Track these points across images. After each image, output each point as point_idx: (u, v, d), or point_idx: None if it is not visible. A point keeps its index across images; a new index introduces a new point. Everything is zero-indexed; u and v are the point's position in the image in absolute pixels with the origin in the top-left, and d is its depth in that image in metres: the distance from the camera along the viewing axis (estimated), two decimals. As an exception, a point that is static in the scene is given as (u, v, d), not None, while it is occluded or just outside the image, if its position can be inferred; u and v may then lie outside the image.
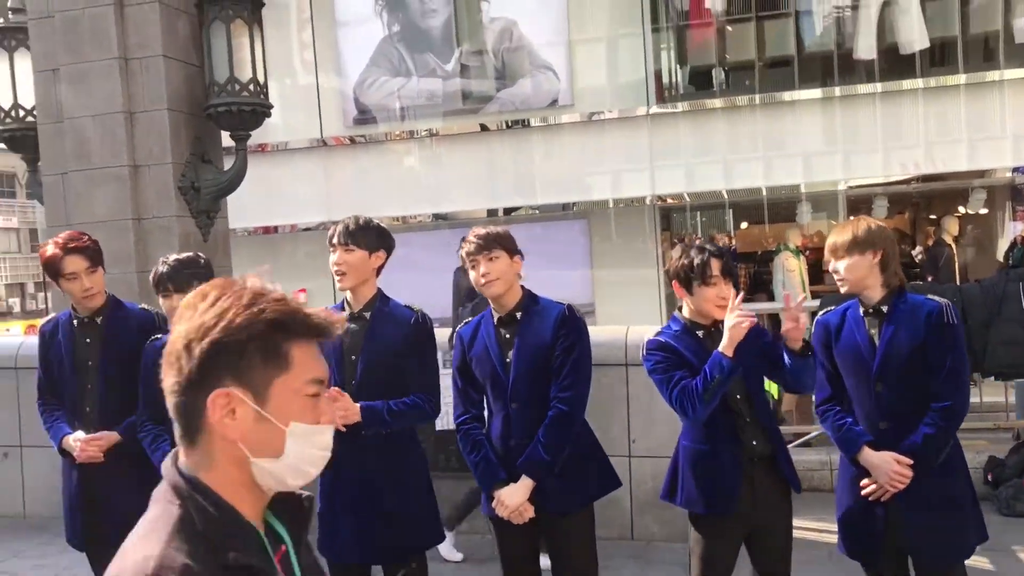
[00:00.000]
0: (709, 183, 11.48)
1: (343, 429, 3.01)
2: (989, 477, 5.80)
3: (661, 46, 11.63)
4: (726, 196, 11.84)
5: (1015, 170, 10.98)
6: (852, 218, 3.22)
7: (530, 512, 3.11)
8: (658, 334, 3.22)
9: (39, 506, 6.02)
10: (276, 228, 11.84)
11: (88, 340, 3.58)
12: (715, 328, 3.12)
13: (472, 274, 3.19)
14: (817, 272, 11.75)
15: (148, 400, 3.41)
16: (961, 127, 10.93)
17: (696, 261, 3.07)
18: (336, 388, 3.07)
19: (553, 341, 3.14)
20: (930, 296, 3.16)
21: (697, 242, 3.21)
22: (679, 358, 3.10)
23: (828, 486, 6.10)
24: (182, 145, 5.67)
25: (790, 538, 3.22)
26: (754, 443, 3.12)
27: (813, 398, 3.35)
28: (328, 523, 3.26)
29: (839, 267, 3.09)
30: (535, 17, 11.28)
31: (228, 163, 6.00)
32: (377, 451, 3.19)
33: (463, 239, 3.23)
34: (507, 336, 3.20)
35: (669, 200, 11.62)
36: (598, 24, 11.44)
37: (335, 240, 3.21)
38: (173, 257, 3.39)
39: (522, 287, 3.26)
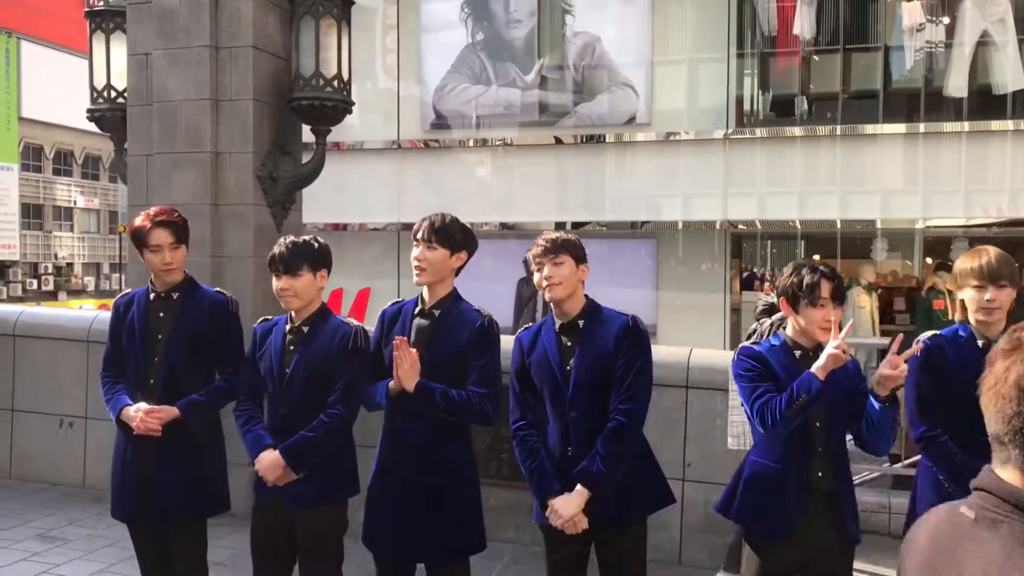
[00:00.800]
0: (782, 212, 11.33)
1: (403, 380, 3.09)
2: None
3: (745, 71, 11.54)
4: (799, 227, 11.65)
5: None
6: (980, 247, 3.16)
7: (584, 523, 3.07)
8: (755, 344, 3.18)
9: (100, 478, 6.17)
10: (346, 226, 12.03)
11: (161, 315, 3.65)
12: (814, 353, 3.04)
13: (536, 276, 3.18)
14: (888, 311, 11.49)
15: (249, 380, 3.46)
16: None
17: (807, 280, 3.01)
18: (402, 338, 3.12)
19: (615, 351, 3.10)
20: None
21: (810, 263, 3.14)
22: (769, 371, 3.04)
23: (885, 529, 5.93)
24: (264, 135, 5.78)
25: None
26: (819, 474, 3.04)
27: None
28: (380, 514, 3.26)
29: (1000, 295, 3.06)
30: (618, 35, 11.29)
31: (306, 158, 6.10)
32: (431, 446, 3.20)
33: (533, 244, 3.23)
34: (568, 344, 3.17)
35: (740, 226, 11.49)
36: (681, 46, 11.40)
37: (419, 235, 3.24)
38: (290, 239, 3.41)
39: (586, 296, 3.24)
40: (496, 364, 3.27)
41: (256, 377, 3.43)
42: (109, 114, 6.38)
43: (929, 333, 3.18)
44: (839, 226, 11.49)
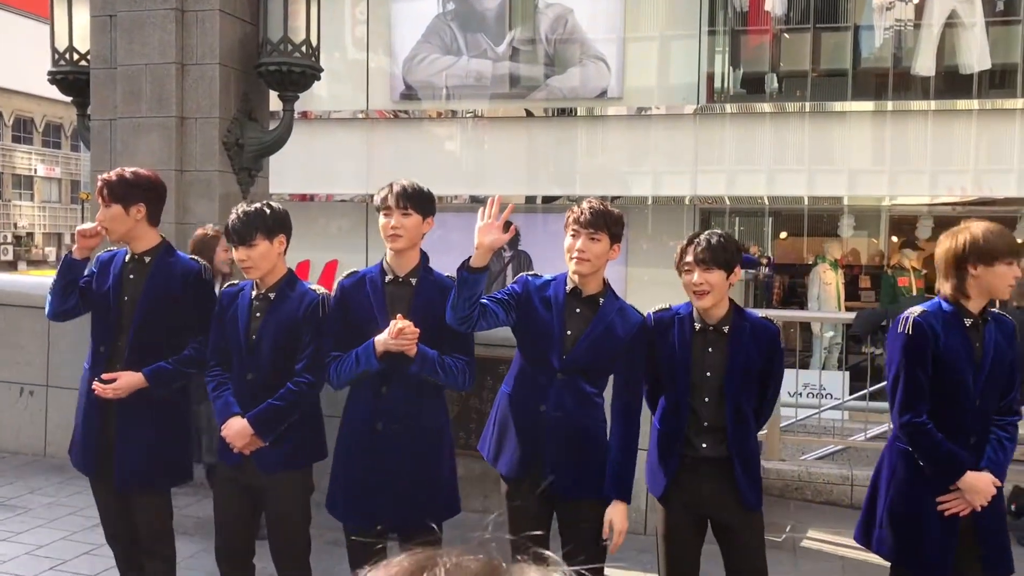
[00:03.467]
0: (751, 188, 11.39)
1: (405, 349, 3.07)
2: (1012, 507, 5.70)
3: (716, 49, 11.54)
4: (767, 203, 11.72)
5: (1065, 200, 10.79)
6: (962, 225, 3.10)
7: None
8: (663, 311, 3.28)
9: (61, 446, 6.08)
10: (312, 197, 11.91)
11: (132, 277, 3.59)
12: (703, 325, 3.10)
13: (567, 240, 3.10)
14: (853, 287, 11.62)
15: (217, 346, 3.42)
16: (1014, 152, 10.74)
17: (682, 246, 3.09)
18: (400, 316, 3.10)
19: (625, 344, 3.10)
20: (1003, 313, 3.15)
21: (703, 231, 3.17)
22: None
23: (847, 501, 6.02)
24: (230, 101, 5.68)
25: (758, 546, 3.17)
26: (703, 446, 3.07)
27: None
28: (351, 483, 3.25)
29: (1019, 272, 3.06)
30: (590, 8, 11.23)
31: (273, 126, 6.02)
32: (418, 412, 3.20)
33: (576, 204, 3.14)
34: (577, 311, 3.14)
35: (709, 203, 11.54)
36: (653, 22, 11.37)
37: (391, 203, 3.18)
38: (242, 208, 3.35)
39: (604, 278, 3.22)
40: (472, 334, 3.27)
41: (223, 342, 3.40)
42: (71, 77, 6.23)
43: (918, 309, 3.10)
44: (806, 203, 11.57)
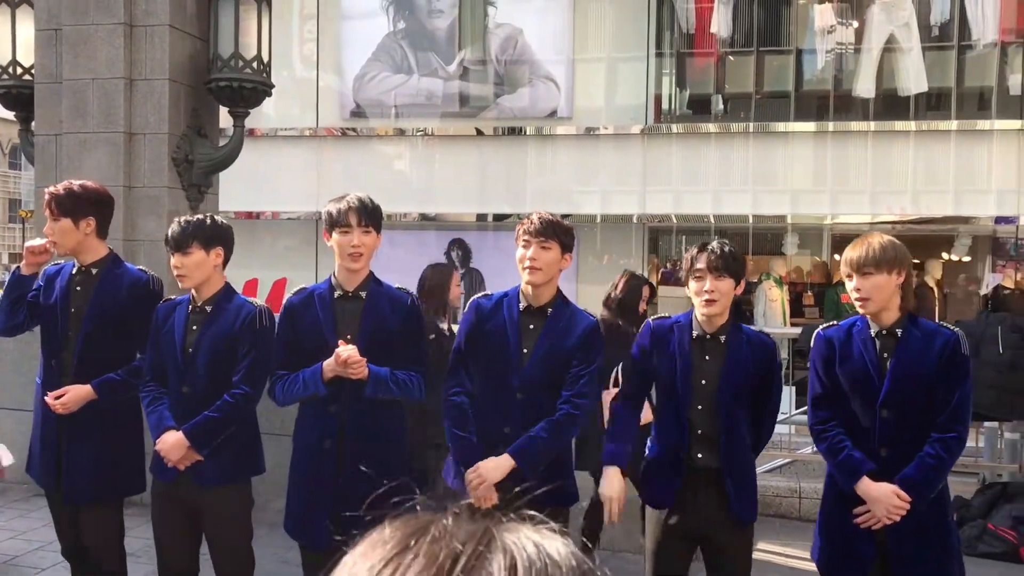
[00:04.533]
0: (697, 207, 11.56)
1: (354, 376, 3.05)
2: (954, 516, 5.84)
3: (663, 71, 11.73)
4: (713, 222, 11.91)
5: (997, 220, 11.13)
6: (871, 233, 3.10)
7: (495, 499, 3.07)
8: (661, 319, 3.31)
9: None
10: (258, 215, 11.79)
11: (79, 288, 3.56)
12: (709, 335, 3.14)
13: (519, 251, 3.13)
14: (797, 305, 11.84)
15: (154, 361, 3.38)
16: (949, 173, 11.07)
17: (692, 254, 3.12)
18: (345, 340, 3.08)
19: (574, 349, 3.12)
20: (943, 325, 3.10)
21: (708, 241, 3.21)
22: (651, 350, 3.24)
23: (796, 513, 6.11)
24: (180, 117, 5.63)
25: (743, 561, 3.19)
26: (699, 456, 3.11)
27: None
28: (304, 501, 3.22)
29: (866, 284, 2.94)
30: (540, 29, 11.36)
31: (223, 143, 5.97)
32: (372, 427, 3.19)
33: (525, 217, 3.17)
34: (531, 327, 3.16)
35: (657, 221, 11.68)
36: (602, 44, 11.52)
37: (352, 221, 3.16)
38: (184, 218, 3.35)
39: (557, 287, 3.23)
40: (427, 344, 3.29)
41: (159, 356, 3.36)
42: (14, 91, 6.12)
43: (833, 324, 3.19)
44: (751, 222, 11.77)
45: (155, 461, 3.34)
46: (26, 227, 34.16)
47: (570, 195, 11.39)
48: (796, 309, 11.55)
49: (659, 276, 11.68)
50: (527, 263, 3.09)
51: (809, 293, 12.24)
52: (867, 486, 2.96)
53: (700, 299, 3.08)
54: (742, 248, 13.45)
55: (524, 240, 3.12)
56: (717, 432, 3.11)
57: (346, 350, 3.05)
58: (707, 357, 3.12)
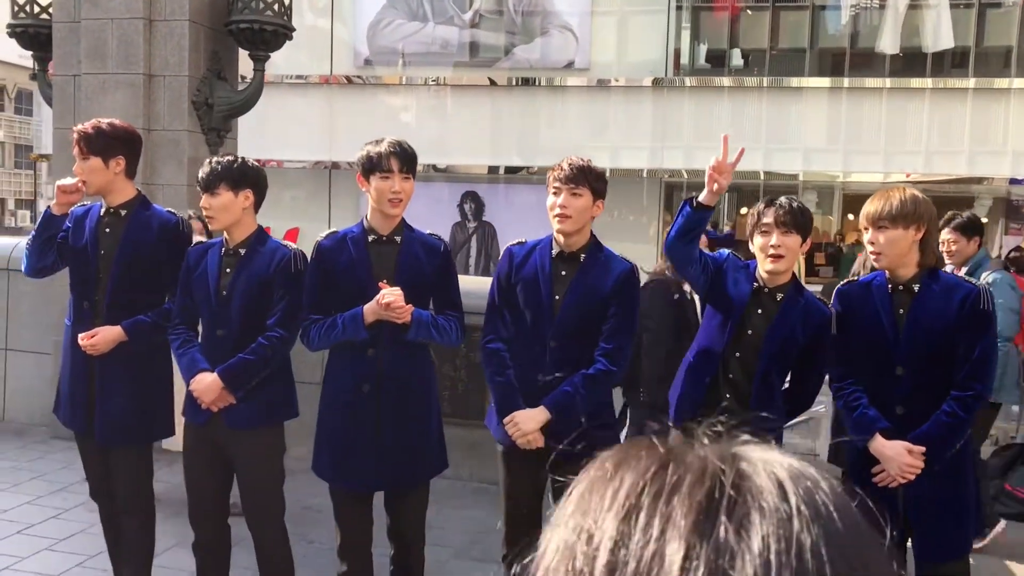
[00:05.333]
0: (708, 162, 11.49)
1: (398, 320, 3.01)
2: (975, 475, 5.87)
3: (683, 25, 11.58)
4: (725, 178, 11.84)
5: (1012, 182, 11.08)
6: (894, 187, 3.03)
7: (540, 441, 3.06)
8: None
9: (20, 411, 5.94)
10: (264, 163, 11.70)
11: (108, 230, 3.51)
12: (768, 289, 3.10)
13: (549, 199, 3.07)
14: (809, 263, 11.83)
15: (184, 304, 3.35)
16: (964, 133, 11.00)
17: (758, 209, 3.05)
18: (384, 283, 3.05)
19: (611, 295, 3.09)
20: (965, 278, 3.05)
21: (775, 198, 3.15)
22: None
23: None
24: (200, 59, 5.55)
25: None
26: (727, 396, 3.08)
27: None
28: (342, 445, 3.22)
29: (880, 239, 2.87)
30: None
31: (241, 88, 5.90)
32: (408, 373, 3.17)
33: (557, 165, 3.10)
34: (563, 273, 3.11)
35: (667, 176, 11.63)
36: (621, -2, 11.35)
37: (394, 167, 3.10)
38: (215, 158, 3.30)
39: (591, 232, 3.19)
40: (459, 289, 3.26)
41: (190, 300, 3.34)
42: (31, 31, 6.02)
43: (845, 279, 3.18)
44: (762, 178, 11.72)
45: (187, 404, 3.32)
46: (38, 170, 33.86)
47: (582, 148, 11.32)
48: (808, 268, 11.54)
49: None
50: (557, 210, 3.03)
51: (820, 252, 12.22)
52: (880, 444, 2.92)
53: (765, 255, 3.01)
54: (753, 206, 13.41)
55: (555, 187, 3.05)
56: (750, 385, 3.10)
57: (391, 293, 3.01)
58: (759, 311, 3.08)
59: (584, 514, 0.50)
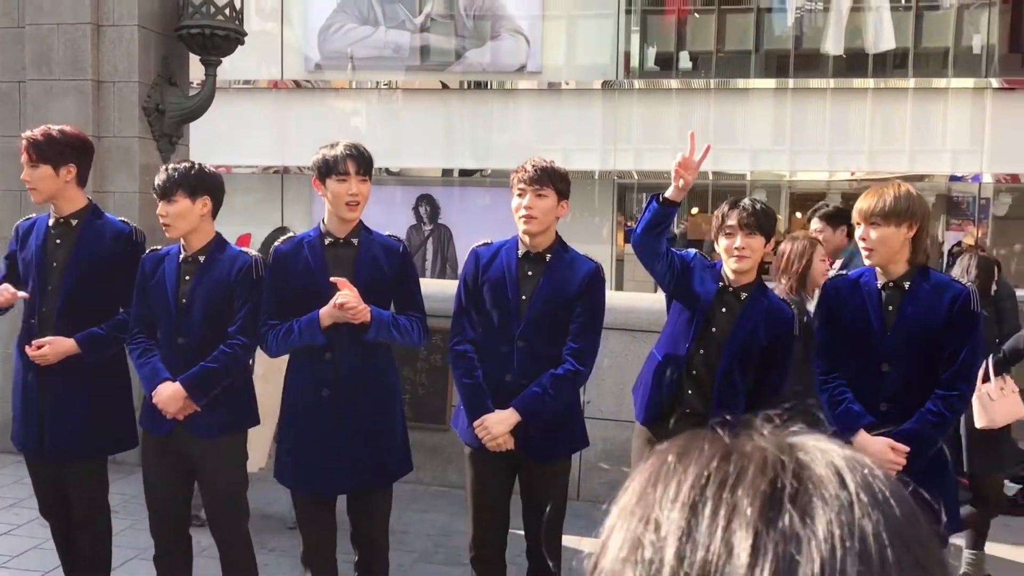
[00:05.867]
0: (658, 164, 11.62)
1: (355, 321, 3.00)
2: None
3: (632, 28, 11.69)
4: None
5: (952, 179, 11.38)
6: (889, 183, 3.05)
7: (510, 444, 3.10)
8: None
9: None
10: (217, 168, 11.55)
11: (59, 241, 3.45)
12: (733, 288, 3.15)
13: (515, 200, 3.11)
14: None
15: (141, 313, 3.31)
16: (906, 132, 11.27)
17: (722, 211, 3.11)
18: (344, 280, 3.04)
19: (578, 295, 3.13)
20: (956, 279, 3.09)
21: (738, 199, 3.20)
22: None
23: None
24: (150, 65, 5.48)
25: None
26: (689, 392, 3.17)
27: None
28: (304, 449, 3.21)
29: (872, 235, 2.89)
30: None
31: (192, 93, 5.83)
32: (369, 374, 3.17)
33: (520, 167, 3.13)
34: (529, 273, 3.14)
35: (619, 178, 11.73)
36: (571, 0, 11.41)
37: (351, 169, 3.09)
38: (171, 164, 3.28)
39: (556, 232, 3.22)
40: (420, 288, 3.28)
41: (147, 309, 3.30)
42: (-27, 36, 5.89)
43: (832, 273, 3.25)
44: (711, 179, 11.87)
45: (147, 415, 3.28)
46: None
47: (534, 150, 11.36)
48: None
49: (625, 234, 11.76)
50: (523, 212, 3.06)
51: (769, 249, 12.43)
52: (862, 439, 2.94)
53: (730, 256, 3.07)
54: (703, 206, 13.59)
55: (519, 189, 3.08)
56: (712, 382, 3.16)
57: (343, 295, 3.01)
58: (723, 310, 3.14)
59: (649, 505, 0.52)
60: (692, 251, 3.30)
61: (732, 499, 0.50)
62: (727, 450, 0.53)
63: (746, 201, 3.12)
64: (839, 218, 4.89)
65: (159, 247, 3.40)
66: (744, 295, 3.14)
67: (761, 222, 3.06)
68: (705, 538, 0.49)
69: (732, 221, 3.06)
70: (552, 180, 3.08)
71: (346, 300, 2.99)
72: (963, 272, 4.48)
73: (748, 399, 3.19)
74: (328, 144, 3.19)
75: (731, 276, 3.14)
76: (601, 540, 0.54)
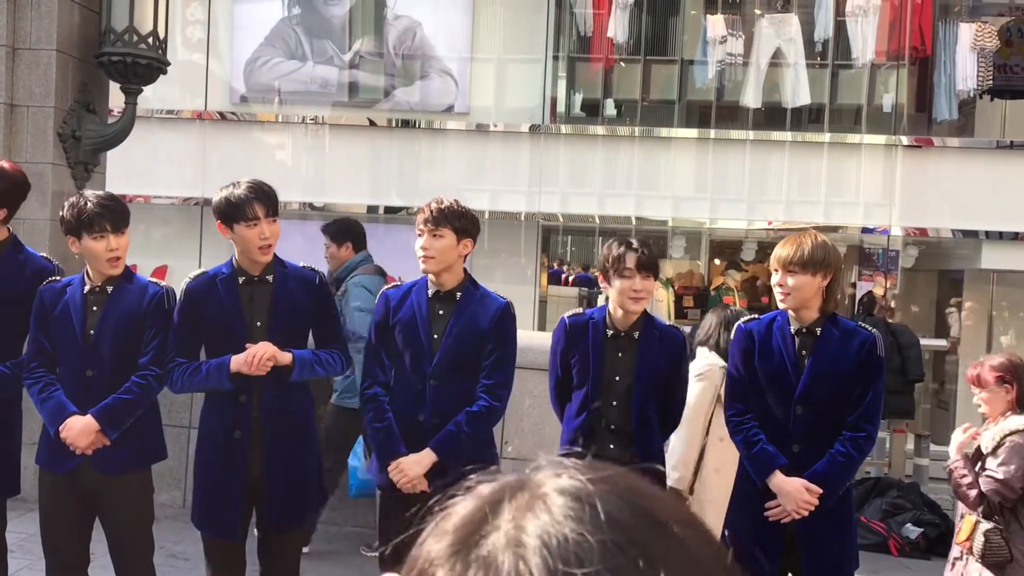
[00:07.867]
0: (583, 208, 11.78)
1: (261, 374, 2.99)
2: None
3: (559, 74, 11.89)
4: (598, 223, 12.15)
5: (864, 231, 11.77)
6: (805, 232, 3.18)
7: (424, 485, 3.07)
8: (573, 317, 3.31)
9: None
10: (132, 199, 11.30)
11: None
12: (624, 332, 3.19)
13: (416, 240, 3.13)
14: (678, 306, 12.22)
15: (41, 346, 3.19)
16: (821, 184, 11.64)
17: (615, 253, 3.14)
18: (254, 329, 3.02)
19: (489, 331, 3.13)
20: (862, 325, 3.21)
21: (622, 238, 3.25)
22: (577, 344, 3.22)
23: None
24: (67, 90, 5.36)
25: None
26: (611, 446, 3.18)
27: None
28: (213, 494, 3.13)
29: (788, 282, 3.02)
30: (438, 25, 11.30)
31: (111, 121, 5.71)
32: (273, 418, 3.11)
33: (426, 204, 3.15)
34: (440, 312, 3.15)
35: (544, 220, 11.83)
36: (500, 44, 11.56)
37: (260, 213, 3.07)
38: (94, 195, 3.18)
39: (465, 270, 3.23)
40: (338, 318, 3.28)
41: (46, 341, 3.19)
42: None
43: (755, 316, 3.33)
44: (634, 224, 12.06)
45: (47, 452, 3.15)
46: None
47: (460, 190, 11.40)
48: (678, 311, 11.91)
49: (548, 275, 11.85)
50: (420, 252, 3.09)
51: (689, 296, 12.65)
52: (779, 480, 3.03)
53: (626, 297, 3.12)
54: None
55: (419, 229, 3.13)
56: (630, 426, 3.18)
57: (257, 355, 2.98)
58: (620, 354, 3.18)
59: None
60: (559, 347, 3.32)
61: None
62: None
63: (635, 243, 3.19)
64: (342, 234, 5.12)
65: (57, 278, 3.29)
66: (637, 334, 3.19)
67: (655, 263, 3.17)
68: None
69: (631, 264, 3.11)
70: (449, 220, 3.10)
71: (260, 354, 2.97)
72: None
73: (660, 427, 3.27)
74: (229, 184, 3.13)
75: (619, 317, 3.19)
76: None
